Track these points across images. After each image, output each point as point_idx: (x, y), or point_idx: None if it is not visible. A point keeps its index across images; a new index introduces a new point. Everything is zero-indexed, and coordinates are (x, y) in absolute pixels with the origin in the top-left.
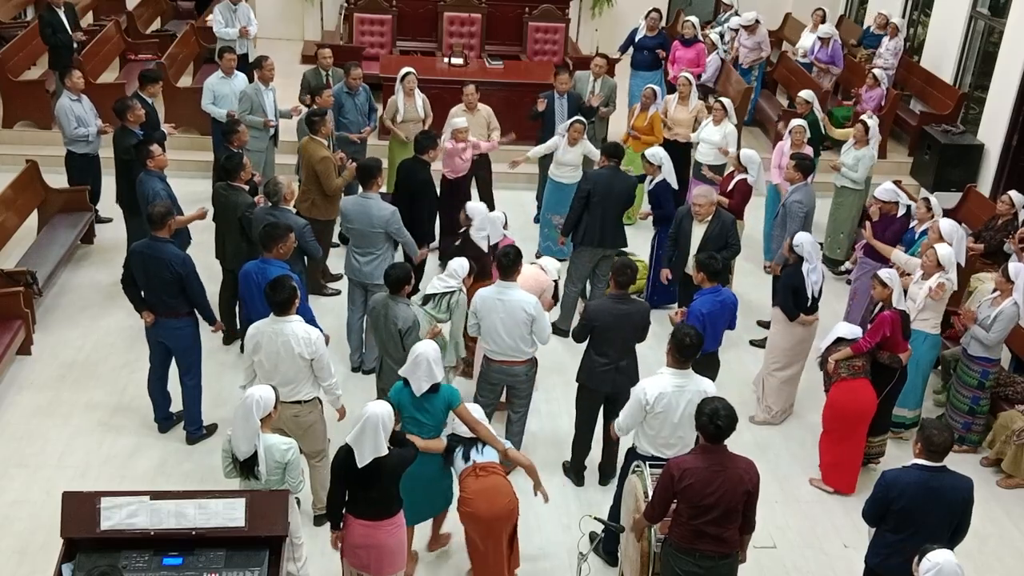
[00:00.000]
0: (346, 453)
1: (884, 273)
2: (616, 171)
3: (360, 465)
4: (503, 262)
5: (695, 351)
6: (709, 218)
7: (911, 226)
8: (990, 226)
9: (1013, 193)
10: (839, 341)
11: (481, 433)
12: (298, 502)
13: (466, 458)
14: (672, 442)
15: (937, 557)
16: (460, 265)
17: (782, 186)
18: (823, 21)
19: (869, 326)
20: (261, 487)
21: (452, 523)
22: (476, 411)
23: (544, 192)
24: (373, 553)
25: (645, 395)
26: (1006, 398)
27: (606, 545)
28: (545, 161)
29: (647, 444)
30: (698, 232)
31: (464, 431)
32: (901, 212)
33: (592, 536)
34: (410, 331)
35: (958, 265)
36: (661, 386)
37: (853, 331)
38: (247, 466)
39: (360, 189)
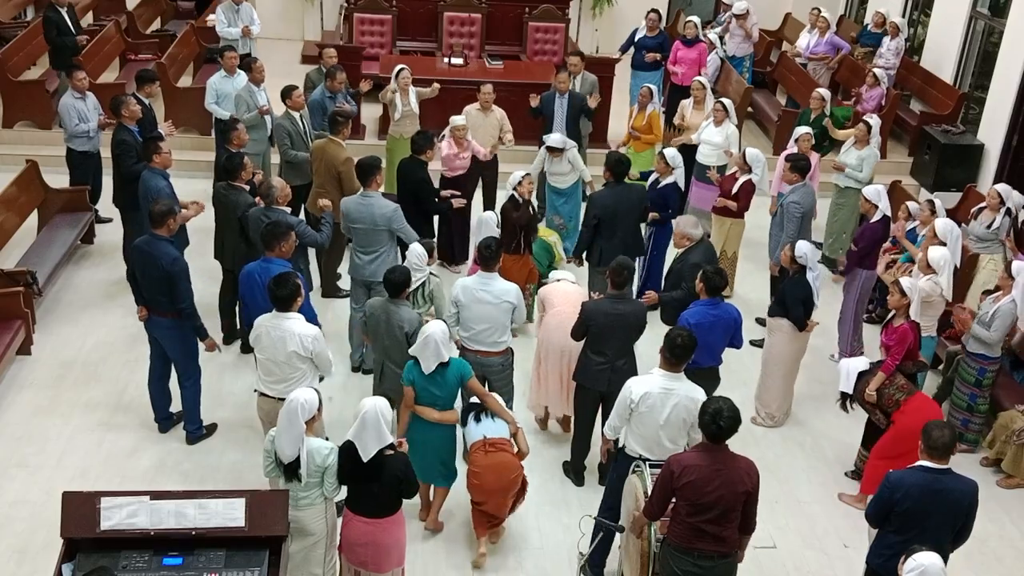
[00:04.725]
0: (349, 449)
1: (906, 282)
2: (620, 187)
3: (365, 459)
4: (485, 254)
5: (687, 352)
6: (680, 251)
7: (913, 227)
8: None
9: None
10: (861, 376)
11: (491, 404)
12: (338, 508)
13: (477, 419)
14: (661, 443)
15: (922, 559)
16: (418, 253)
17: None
18: (818, 20)
19: (882, 336)
20: (301, 489)
21: (446, 514)
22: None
23: (544, 194)
24: (371, 550)
25: (631, 392)
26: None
27: (592, 559)
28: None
29: (635, 443)
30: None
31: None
32: (876, 218)
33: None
34: (416, 333)
35: (955, 266)
36: (648, 386)
37: (865, 363)
38: (291, 469)
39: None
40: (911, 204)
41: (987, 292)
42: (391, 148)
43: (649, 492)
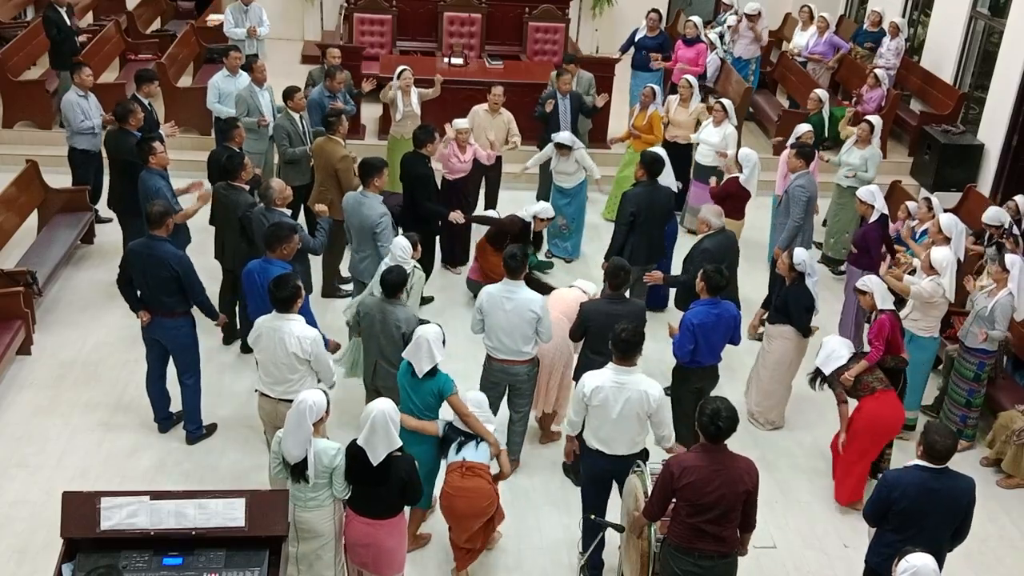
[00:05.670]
0: (355, 451)
1: (860, 283)
2: (653, 187)
3: (375, 463)
4: (511, 263)
5: (632, 346)
6: (701, 236)
7: (912, 226)
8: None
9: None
10: (851, 359)
11: (472, 424)
12: (344, 505)
13: (459, 449)
14: (615, 437)
15: (915, 560)
16: (402, 245)
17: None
18: (812, 18)
19: (867, 333)
20: (309, 491)
21: (431, 525)
22: (476, 398)
23: (549, 196)
24: (372, 552)
25: (583, 386)
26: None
27: (592, 560)
28: (545, 164)
29: (591, 436)
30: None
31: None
32: (874, 218)
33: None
34: (413, 332)
35: (959, 261)
36: (600, 380)
37: (851, 346)
38: (298, 470)
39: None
40: (910, 204)
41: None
42: (392, 148)
43: (649, 492)
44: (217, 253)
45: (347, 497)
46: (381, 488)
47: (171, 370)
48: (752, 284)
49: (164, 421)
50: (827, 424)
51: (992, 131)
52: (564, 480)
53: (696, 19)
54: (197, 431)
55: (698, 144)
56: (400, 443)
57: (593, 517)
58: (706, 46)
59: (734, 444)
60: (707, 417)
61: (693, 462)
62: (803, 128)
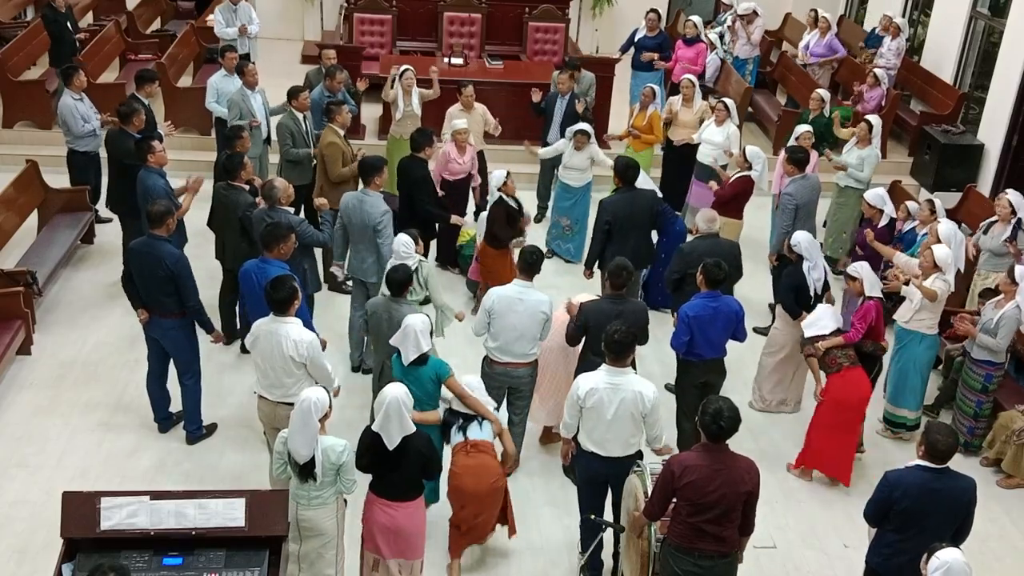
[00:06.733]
0: (371, 438)
1: (850, 269)
2: (632, 192)
3: (391, 447)
4: (530, 260)
5: (624, 347)
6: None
7: (913, 227)
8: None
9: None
10: (833, 333)
11: (472, 405)
12: (345, 503)
13: (462, 431)
14: (609, 438)
15: (946, 556)
16: (404, 241)
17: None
18: (817, 22)
19: (853, 318)
20: (314, 489)
21: (430, 526)
22: (471, 382)
23: (553, 194)
24: (392, 536)
25: (577, 389)
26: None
27: (593, 562)
28: (546, 160)
29: (586, 438)
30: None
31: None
32: (884, 222)
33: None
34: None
35: (958, 270)
36: (594, 382)
37: (839, 320)
38: (307, 469)
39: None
40: (910, 204)
41: (987, 291)
42: (392, 148)
43: (649, 492)
44: (218, 253)
45: (353, 492)
46: (399, 470)
47: (172, 370)
48: (751, 284)
49: (164, 421)
50: None
51: (992, 131)
52: (564, 480)
53: (696, 19)
54: (197, 431)
55: (699, 144)
56: (414, 428)
57: (593, 517)
58: (706, 46)
59: (735, 443)
60: (709, 416)
61: (694, 461)
62: (803, 128)
